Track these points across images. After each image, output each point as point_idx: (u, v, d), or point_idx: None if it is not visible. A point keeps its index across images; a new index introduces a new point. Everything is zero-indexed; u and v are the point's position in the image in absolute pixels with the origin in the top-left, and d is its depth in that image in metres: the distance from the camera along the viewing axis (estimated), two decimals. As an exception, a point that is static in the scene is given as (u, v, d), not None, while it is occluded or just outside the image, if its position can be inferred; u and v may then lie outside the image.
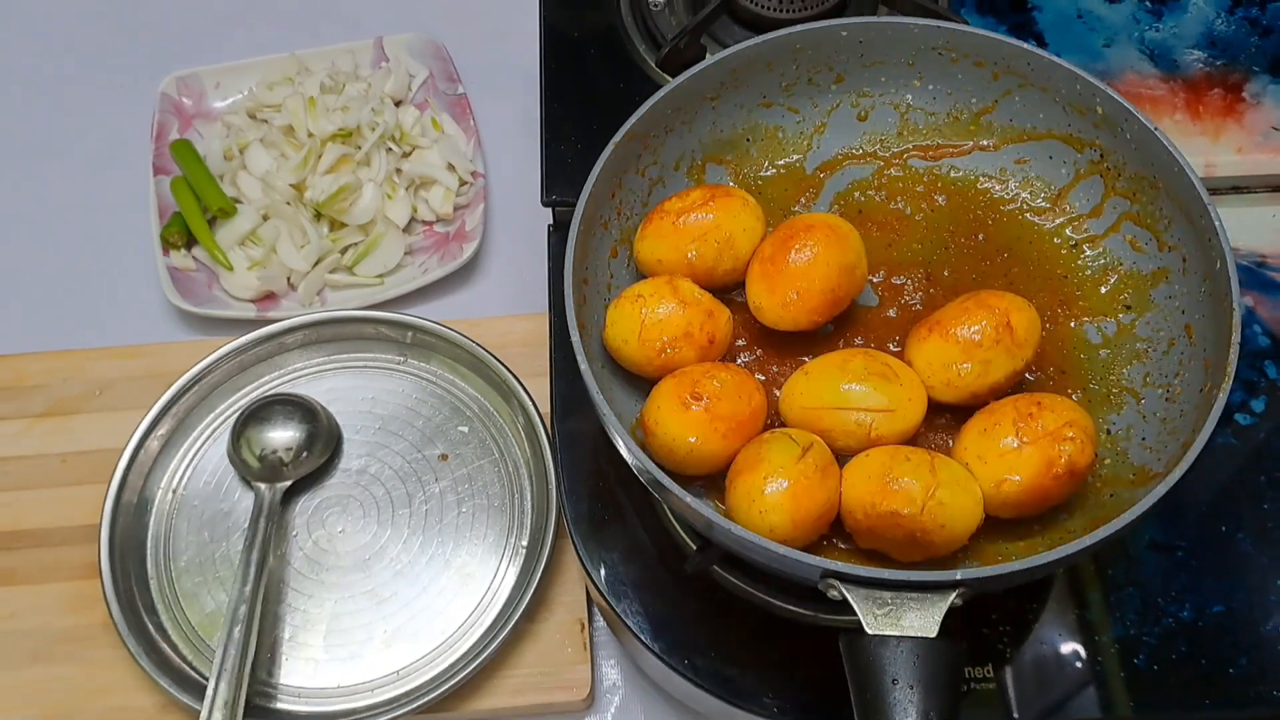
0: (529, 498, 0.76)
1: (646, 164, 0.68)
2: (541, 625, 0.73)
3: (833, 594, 0.51)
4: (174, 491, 0.76)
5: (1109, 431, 0.63)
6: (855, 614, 0.51)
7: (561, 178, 0.78)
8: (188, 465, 0.77)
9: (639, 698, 0.74)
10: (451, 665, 0.70)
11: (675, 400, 0.58)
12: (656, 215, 0.64)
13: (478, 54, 0.97)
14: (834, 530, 0.59)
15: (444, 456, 0.78)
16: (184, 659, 0.71)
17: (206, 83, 0.94)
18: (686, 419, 0.58)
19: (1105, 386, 0.64)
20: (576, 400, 0.71)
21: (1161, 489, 0.53)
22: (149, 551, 0.74)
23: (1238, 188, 0.80)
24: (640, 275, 0.67)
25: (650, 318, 0.61)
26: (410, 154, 0.91)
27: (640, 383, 0.64)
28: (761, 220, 0.65)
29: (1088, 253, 0.68)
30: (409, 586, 0.73)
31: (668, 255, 0.64)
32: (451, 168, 0.89)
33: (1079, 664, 0.65)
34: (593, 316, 0.64)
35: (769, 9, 0.82)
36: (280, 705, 0.70)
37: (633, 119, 0.65)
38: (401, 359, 0.81)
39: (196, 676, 0.70)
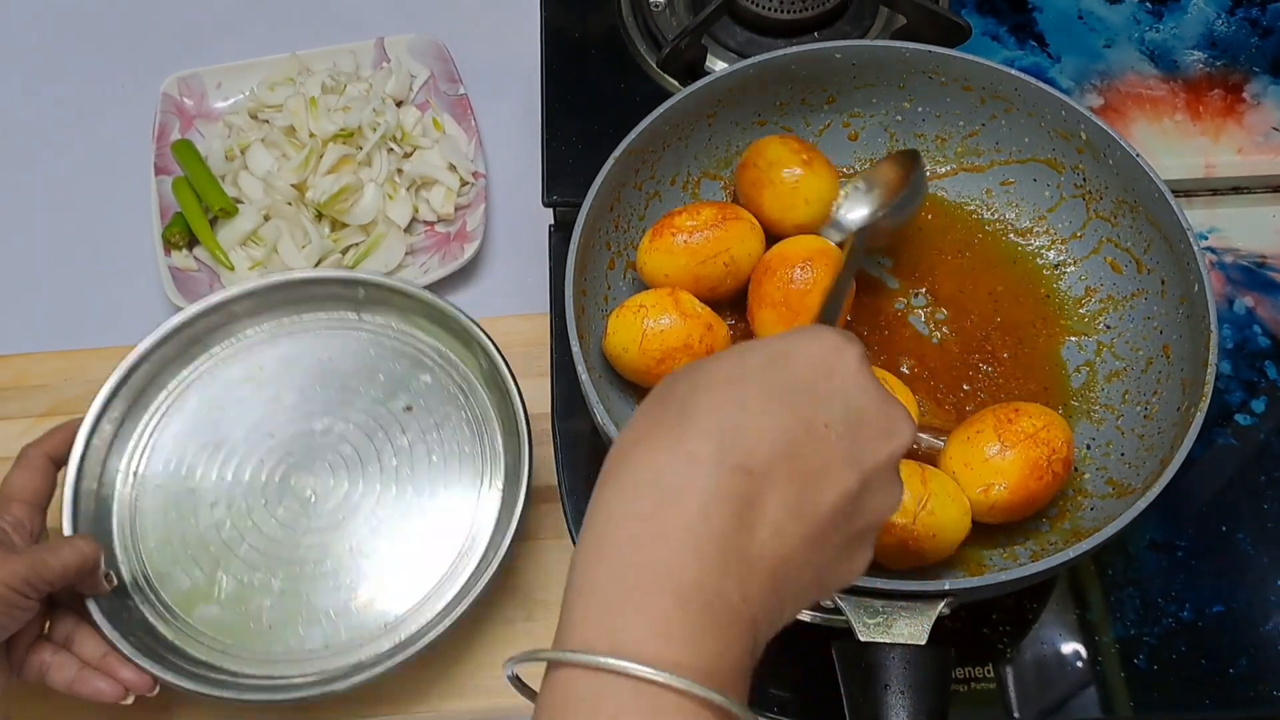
0: (499, 440, 0.75)
1: (644, 179, 0.69)
2: (542, 625, 0.73)
3: (826, 601, 0.52)
4: (134, 474, 0.75)
5: (1088, 447, 0.64)
6: (848, 620, 0.52)
7: (562, 178, 0.78)
8: (145, 445, 0.76)
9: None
10: (443, 608, 0.69)
11: None
12: (666, 231, 0.65)
13: (479, 54, 0.97)
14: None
15: (409, 408, 0.77)
16: (164, 641, 0.69)
17: (208, 83, 0.94)
18: None
19: (1085, 403, 0.65)
20: (577, 400, 0.71)
21: (1141, 504, 0.55)
22: (115, 537, 0.72)
23: (1238, 188, 0.80)
24: (638, 286, 0.68)
25: (652, 328, 0.62)
26: (411, 154, 0.91)
27: (639, 389, 0.65)
28: (763, 243, 0.68)
29: (1069, 273, 0.69)
30: (388, 540, 0.72)
31: (674, 271, 0.66)
32: (452, 168, 0.89)
33: (1079, 664, 0.65)
34: (591, 326, 0.64)
35: (770, 10, 0.82)
36: (275, 672, 0.69)
37: (631, 136, 0.66)
38: (355, 316, 0.80)
39: (179, 661, 0.68)
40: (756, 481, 0.39)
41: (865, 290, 0.69)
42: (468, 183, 0.90)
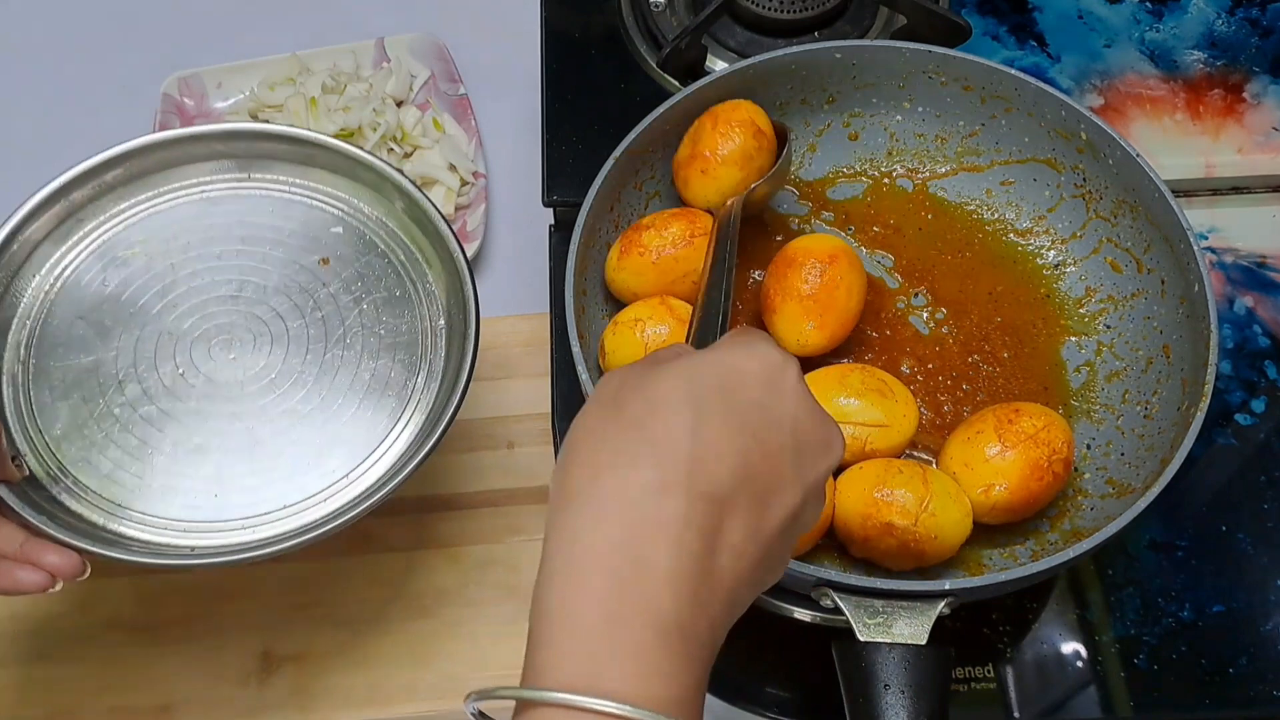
0: (430, 279, 0.70)
1: (644, 179, 0.69)
2: (542, 625, 0.73)
3: (826, 602, 0.53)
4: (22, 364, 0.67)
5: (1089, 446, 0.64)
6: (848, 620, 0.52)
7: (563, 178, 0.78)
8: (29, 336, 0.68)
9: (640, 697, 0.74)
10: (400, 456, 0.65)
11: None
12: (634, 248, 0.65)
13: (479, 54, 0.97)
14: (826, 539, 0.60)
15: (324, 260, 0.71)
16: (94, 525, 0.64)
17: (208, 83, 0.94)
18: None
19: (1085, 403, 0.66)
20: (577, 400, 0.71)
21: (1141, 504, 0.55)
22: (16, 433, 0.65)
23: (1238, 188, 0.80)
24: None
25: (652, 338, 0.62)
26: (412, 154, 0.91)
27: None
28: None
29: (1069, 273, 0.69)
30: (329, 398, 0.67)
31: (643, 290, 0.66)
32: (453, 168, 0.90)
33: (1079, 663, 0.65)
34: (591, 325, 0.65)
35: (770, 10, 0.82)
36: (227, 540, 0.64)
37: (631, 136, 0.66)
38: (245, 175, 0.73)
39: (114, 539, 0.63)
40: (720, 507, 0.38)
41: (867, 290, 0.69)
42: (468, 183, 0.90)
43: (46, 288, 0.70)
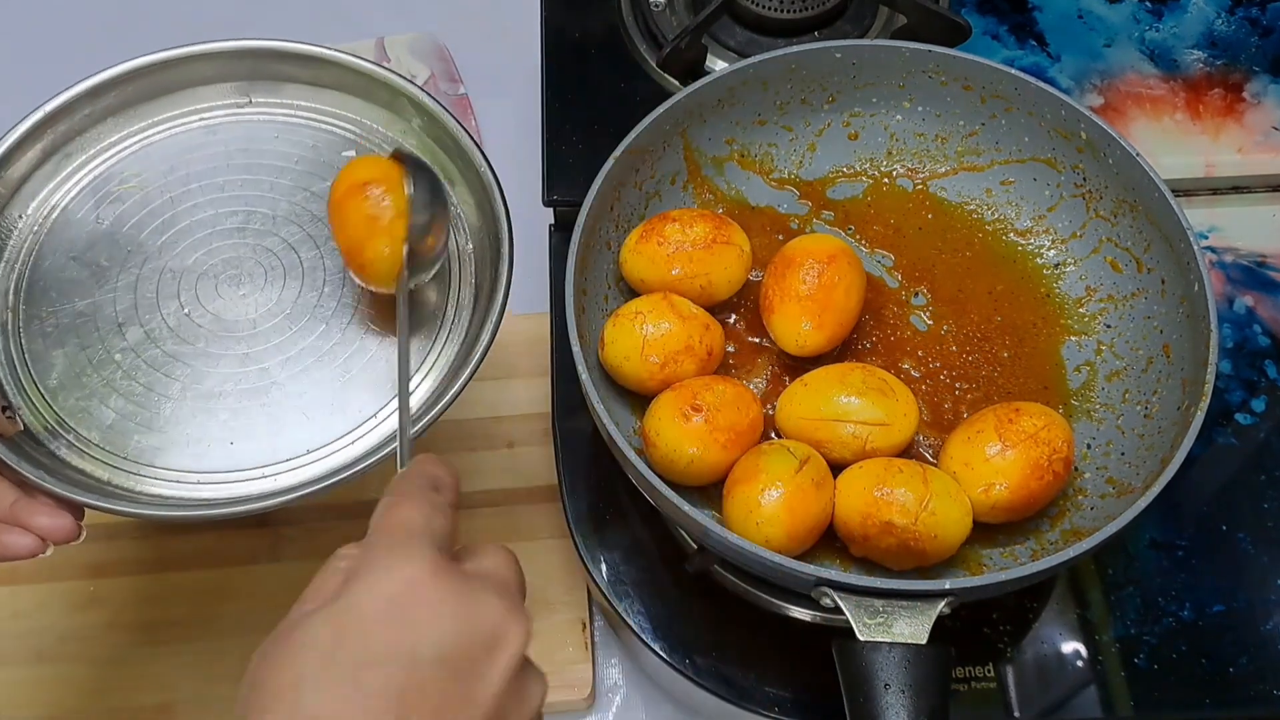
0: (454, 200, 0.65)
1: (644, 178, 0.69)
2: (542, 624, 0.73)
3: (826, 601, 0.53)
4: (10, 308, 0.63)
5: (1089, 446, 0.64)
6: (848, 620, 0.52)
7: (563, 178, 0.78)
8: (20, 276, 0.64)
9: (640, 697, 0.74)
10: (434, 389, 0.61)
11: (675, 412, 0.59)
12: (654, 236, 0.65)
13: (479, 54, 0.97)
14: (826, 538, 0.60)
15: None
16: (103, 481, 0.59)
17: (208, 83, 0.94)
18: (687, 431, 0.59)
19: (1085, 402, 0.66)
20: (577, 400, 0.71)
21: (1142, 503, 0.54)
22: (7, 382, 0.61)
23: (1238, 188, 0.80)
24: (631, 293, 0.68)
25: (652, 334, 0.62)
26: (412, 154, 0.91)
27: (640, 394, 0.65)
28: (747, 271, 0.67)
29: (1069, 273, 0.70)
30: (350, 333, 0.63)
31: (650, 279, 0.66)
32: (453, 168, 0.89)
33: (1079, 663, 0.65)
34: (592, 326, 0.65)
35: (770, 9, 0.82)
36: (247, 489, 0.59)
37: (631, 135, 0.66)
38: (246, 100, 0.69)
39: (119, 492, 0.59)
40: None
41: (866, 289, 0.69)
42: (468, 183, 0.89)
43: (35, 228, 0.65)
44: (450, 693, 0.37)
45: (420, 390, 0.61)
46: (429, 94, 0.66)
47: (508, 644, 0.38)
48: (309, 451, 0.60)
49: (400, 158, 0.60)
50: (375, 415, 0.61)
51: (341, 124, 0.69)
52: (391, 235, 0.58)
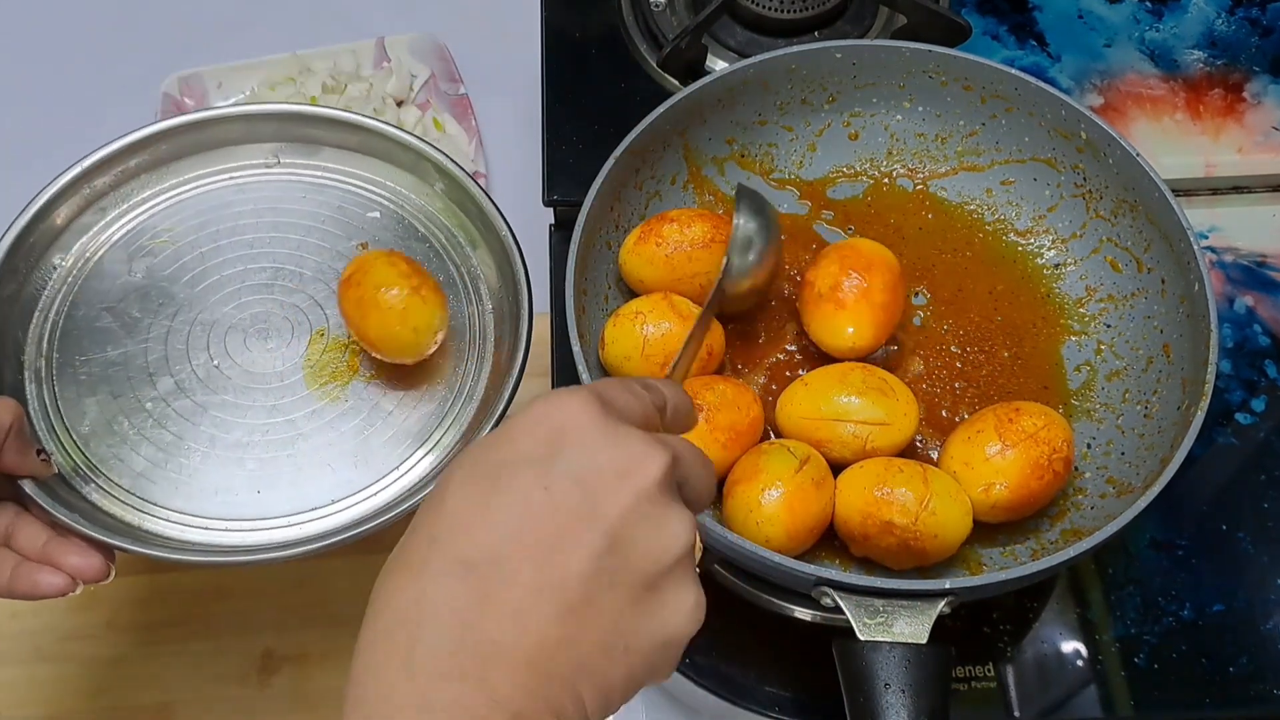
0: (475, 262, 0.68)
1: (644, 178, 0.69)
2: (543, 624, 0.73)
3: (826, 601, 0.53)
4: (44, 356, 0.65)
5: (1089, 446, 0.64)
6: (848, 620, 0.52)
7: (563, 178, 0.78)
8: (54, 325, 0.66)
9: (640, 697, 0.74)
10: (453, 446, 0.63)
11: None
12: (653, 236, 0.65)
13: (479, 54, 0.97)
14: (826, 537, 0.60)
15: (363, 245, 0.69)
16: (132, 526, 0.61)
17: (209, 83, 0.94)
18: None
19: (1085, 402, 0.66)
20: (577, 400, 0.71)
21: (1142, 503, 0.55)
22: (40, 427, 0.63)
23: (1238, 188, 0.80)
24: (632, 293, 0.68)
25: (652, 334, 0.62)
26: (412, 154, 0.91)
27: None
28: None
29: (1069, 273, 0.70)
30: (374, 387, 0.65)
31: (649, 280, 0.66)
32: (453, 168, 0.89)
33: (1080, 663, 0.65)
34: (592, 326, 0.65)
35: (770, 9, 0.82)
36: (272, 537, 0.61)
37: (632, 135, 0.66)
38: (274, 160, 0.71)
39: (146, 537, 0.60)
40: (484, 571, 0.37)
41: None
42: (468, 182, 0.90)
43: (69, 278, 0.67)
44: (576, 508, 0.38)
45: (436, 450, 0.64)
46: (452, 159, 0.68)
47: (643, 470, 0.39)
48: (333, 501, 0.62)
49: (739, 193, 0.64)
50: (397, 468, 0.63)
51: (367, 185, 0.71)
52: (404, 323, 0.62)
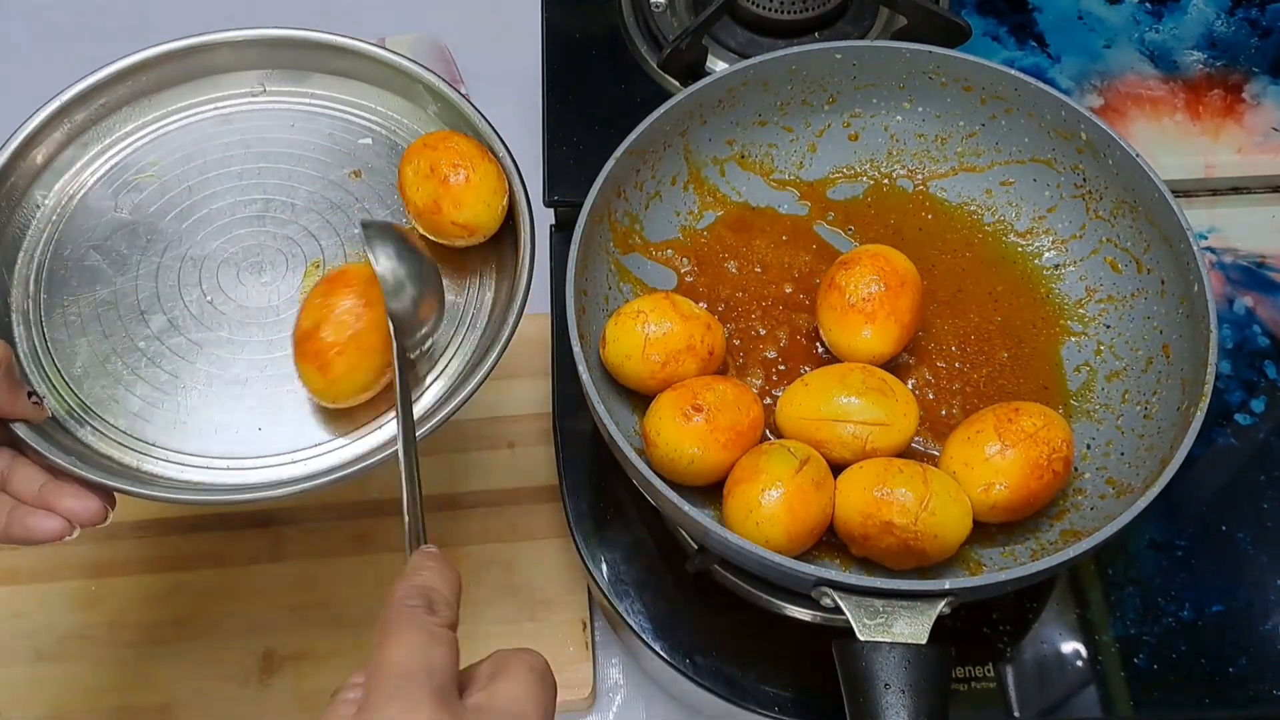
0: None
1: (644, 179, 0.69)
2: (543, 625, 0.73)
3: (826, 601, 0.53)
4: (31, 297, 0.63)
5: (1089, 446, 0.64)
6: (848, 620, 0.52)
7: (563, 178, 0.78)
8: (39, 265, 0.64)
9: (641, 697, 0.74)
10: (454, 378, 0.62)
11: (676, 411, 0.59)
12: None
13: (480, 55, 0.97)
14: (826, 537, 0.60)
15: (356, 174, 0.67)
16: (130, 468, 0.59)
17: (209, 83, 0.94)
18: (687, 430, 0.59)
19: (1084, 403, 0.66)
20: (578, 400, 0.71)
21: (1141, 503, 0.54)
22: (31, 370, 0.61)
23: (1238, 188, 0.80)
24: (632, 293, 0.68)
25: (653, 333, 0.62)
26: (412, 154, 0.91)
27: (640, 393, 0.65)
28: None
29: (1069, 274, 0.70)
30: None
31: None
32: (453, 168, 0.89)
33: (1079, 663, 0.65)
34: (592, 326, 0.65)
35: (770, 10, 0.82)
36: (275, 475, 0.59)
37: (632, 136, 0.66)
38: (260, 89, 0.69)
39: (156, 476, 0.59)
40: None
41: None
42: (468, 183, 0.89)
43: (53, 217, 0.65)
44: None
45: (433, 390, 0.62)
46: (445, 80, 0.66)
47: None
48: (337, 436, 0.60)
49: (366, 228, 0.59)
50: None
51: (357, 112, 0.69)
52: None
